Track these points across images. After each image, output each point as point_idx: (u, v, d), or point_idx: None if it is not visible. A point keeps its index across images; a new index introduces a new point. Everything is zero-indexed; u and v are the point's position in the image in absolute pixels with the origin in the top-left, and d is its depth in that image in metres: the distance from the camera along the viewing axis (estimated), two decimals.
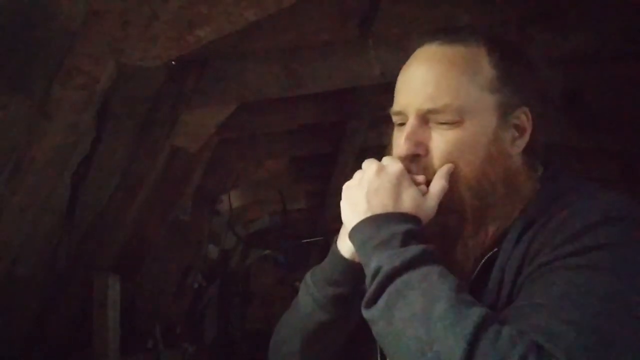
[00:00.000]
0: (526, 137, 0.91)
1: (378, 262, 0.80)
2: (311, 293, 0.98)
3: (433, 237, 0.87)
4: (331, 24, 2.14)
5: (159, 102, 2.25)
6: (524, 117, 0.91)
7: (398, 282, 0.78)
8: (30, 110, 1.56)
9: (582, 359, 0.70)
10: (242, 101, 2.49)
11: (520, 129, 0.91)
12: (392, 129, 0.96)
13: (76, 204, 2.09)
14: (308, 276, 1.00)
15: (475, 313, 0.73)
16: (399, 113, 0.93)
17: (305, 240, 4.54)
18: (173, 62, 2.04)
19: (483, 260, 0.88)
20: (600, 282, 0.75)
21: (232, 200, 3.74)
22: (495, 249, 0.87)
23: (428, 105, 0.89)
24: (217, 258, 4.05)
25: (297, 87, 2.32)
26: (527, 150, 0.92)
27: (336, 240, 0.97)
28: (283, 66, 2.30)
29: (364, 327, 0.92)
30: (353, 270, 0.93)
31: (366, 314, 0.80)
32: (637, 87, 2.78)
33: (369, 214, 0.85)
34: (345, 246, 0.94)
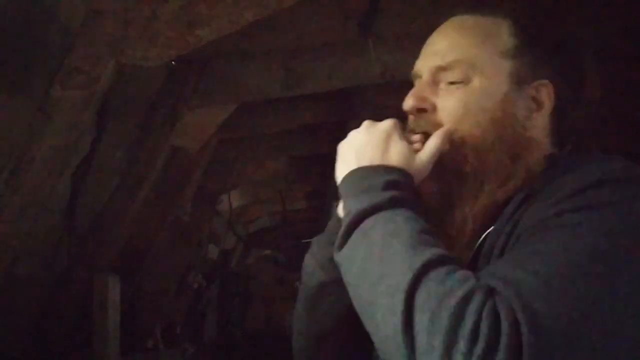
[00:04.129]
0: (545, 111, 0.89)
1: (349, 205, 0.81)
2: (313, 254, 0.99)
3: (432, 197, 0.87)
4: (331, 24, 2.14)
5: (159, 102, 2.25)
6: (544, 90, 0.88)
7: (365, 223, 0.78)
8: (30, 110, 1.56)
9: (534, 303, 0.65)
10: (242, 101, 2.49)
11: (538, 102, 0.89)
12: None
13: (76, 204, 2.09)
14: (314, 240, 1.01)
15: (431, 252, 0.71)
16: (415, 76, 0.94)
17: (305, 240, 4.54)
18: (173, 62, 2.04)
19: (481, 238, 0.86)
20: (577, 240, 0.71)
21: (232, 200, 3.75)
22: (493, 227, 0.85)
23: (437, 62, 0.90)
24: (217, 258, 4.06)
25: (297, 87, 2.32)
26: (554, 130, 0.90)
27: (337, 203, 0.96)
28: (283, 66, 2.30)
29: None
30: None
31: (336, 257, 0.81)
32: (637, 87, 2.78)
33: (355, 167, 0.86)
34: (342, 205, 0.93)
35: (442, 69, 0.89)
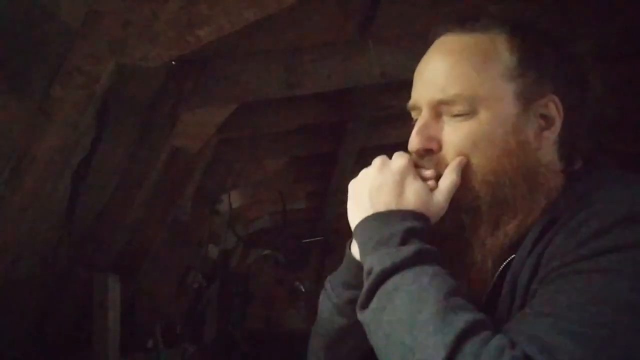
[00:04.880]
0: (556, 127, 0.85)
1: (371, 262, 0.77)
2: (329, 297, 0.95)
3: (447, 236, 0.83)
4: (331, 24, 2.14)
5: (159, 102, 2.25)
6: (552, 105, 0.85)
7: (388, 283, 0.75)
8: (30, 110, 1.56)
9: None
10: (242, 101, 2.49)
11: (548, 119, 0.85)
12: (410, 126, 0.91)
13: (76, 204, 2.09)
14: (327, 281, 0.98)
15: (462, 320, 0.68)
16: (413, 107, 0.90)
17: (305, 240, 4.54)
18: (173, 62, 2.04)
19: (501, 268, 0.83)
20: (613, 288, 0.68)
21: (232, 200, 3.74)
22: (513, 255, 0.82)
23: (439, 96, 0.84)
24: (217, 258, 4.05)
25: (297, 87, 2.32)
26: (563, 143, 0.86)
27: (349, 245, 0.94)
28: (283, 66, 2.30)
29: None
30: None
31: (359, 316, 0.78)
32: (637, 87, 2.78)
33: (371, 212, 0.82)
34: (356, 249, 0.89)
35: (443, 102, 0.84)
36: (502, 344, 0.66)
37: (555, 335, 0.65)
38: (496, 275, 0.83)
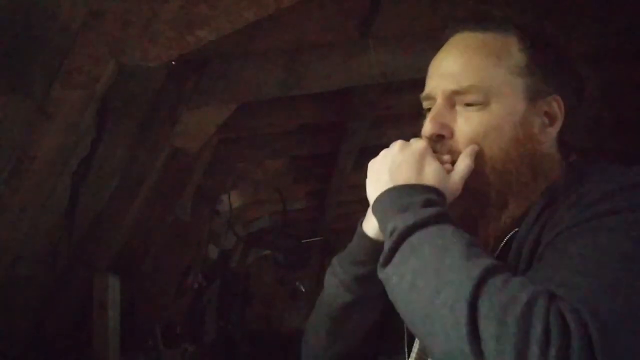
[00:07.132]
0: (557, 125, 0.91)
1: (394, 223, 0.81)
2: (336, 274, 0.98)
3: (455, 219, 0.86)
4: (331, 24, 2.14)
5: (159, 102, 2.25)
6: (555, 104, 0.91)
7: (412, 238, 0.78)
8: (30, 110, 1.56)
9: (598, 307, 0.66)
10: (242, 101, 2.49)
11: (551, 117, 0.91)
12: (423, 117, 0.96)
13: (76, 204, 2.09)
14: (334, 259, 1.01)
15: (486, 262, 0.72)
16: (427, 97, 0.95)
17: (305, 240, 4.54)
18: (173, 62, 2.04)
19: (504, 241, 0.88)
20: (619, 243, 0.72)
21: (232, 200, 3.74)
22: (516, 229, 0.87)
23: (453, 86, 0.90)
24: (217, 258, 4.06)
25: (297, 87, 2.32)
26: (561, 141, 0.92)
27: (361, 222, 0.97)
28: (283, 66, 2.30)
29: (391, 315, 0.89)
30: (377, 249, 0.89)
31: (381, 273, 0.80)
32: (637, 87, 2.78)
33: (391, 186, 0.86)
34: (370, 225, 0.94)
35: (457, 93, 0.90)
36: (524, 281, 0.70)
37: (571, 276, 0.70)
38: (499, 248, 0.88)
